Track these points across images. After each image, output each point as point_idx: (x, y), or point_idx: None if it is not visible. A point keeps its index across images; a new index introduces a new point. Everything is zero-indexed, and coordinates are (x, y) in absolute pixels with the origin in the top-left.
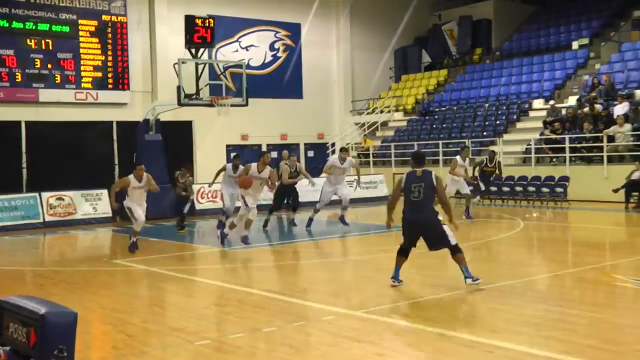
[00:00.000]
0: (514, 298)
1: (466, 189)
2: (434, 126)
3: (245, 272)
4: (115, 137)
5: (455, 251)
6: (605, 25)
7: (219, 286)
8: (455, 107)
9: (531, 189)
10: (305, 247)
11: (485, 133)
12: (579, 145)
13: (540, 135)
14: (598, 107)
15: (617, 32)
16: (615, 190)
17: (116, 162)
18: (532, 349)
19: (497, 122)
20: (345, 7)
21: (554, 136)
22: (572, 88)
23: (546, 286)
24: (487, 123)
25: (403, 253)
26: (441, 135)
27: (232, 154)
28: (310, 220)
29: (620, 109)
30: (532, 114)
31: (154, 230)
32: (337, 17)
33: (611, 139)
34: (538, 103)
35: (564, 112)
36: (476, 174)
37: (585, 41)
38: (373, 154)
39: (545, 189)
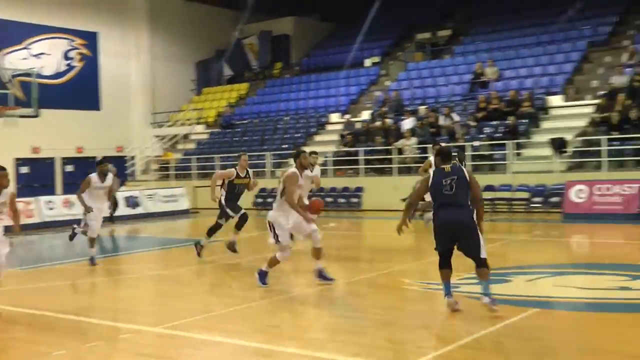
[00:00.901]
0: (311, 306)
1: None
2: (235, 139)
3: (35, 293)
4: None
5: (482, 265)
6: (394, 45)
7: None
8: (256, 120)
9: (329, 199)
10: (104, 264)
11: (285, 146)
12: (371, 158)
13: (338, 147)
14: (388, 121)
15: (403, 53)
16: (404, 200)
17: None
18: (326, 354)
19: (297, 135)
20: (145, 17)
21: (346, 149)
22: (366, 103)
23: (341, 292)
24: (287, 136)
25: (444, 265)
26: (243, 148)
27: (97, 160)
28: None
29: (407, 123)
30: (329, 127)
31: None
32: (137, 28)
33: (400, 151)
34: (335, 117)
35: (358, 125)
36: None
37: (377, 59)
38: (174, 167)
39: (341, 200)
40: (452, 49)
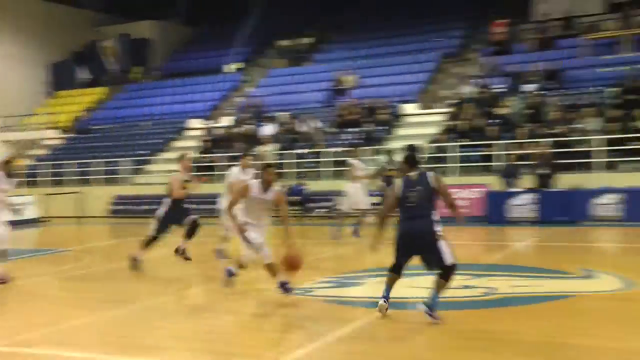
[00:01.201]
0: (166, 314)
1: (366, 204)
2: (93, 144)
3: None
4: None
5: (444, 276)
6: (256, 51)
7: None
8: (115, 125)
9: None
10: None
11: (144, 152)
12: (231, 164)
13: (200, 153)
14: (249, 127)
15: (264, 59)
16: None
17: None
18: None
19: (157, 140)
20: None
21: (204, 155)
22: (227, 109)
23: (198, 300)
24: (146, 141)
25: (395, 270)
26: (103, 154)
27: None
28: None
29: (267, 129)
30: (189, 133)
31: None
32: None
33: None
34: (195, 122)
35: (220, 131)
36: (380, 182)
37: (240, 65)
38: (25, 173)
39: (204, 206)
40: (313, 57)
